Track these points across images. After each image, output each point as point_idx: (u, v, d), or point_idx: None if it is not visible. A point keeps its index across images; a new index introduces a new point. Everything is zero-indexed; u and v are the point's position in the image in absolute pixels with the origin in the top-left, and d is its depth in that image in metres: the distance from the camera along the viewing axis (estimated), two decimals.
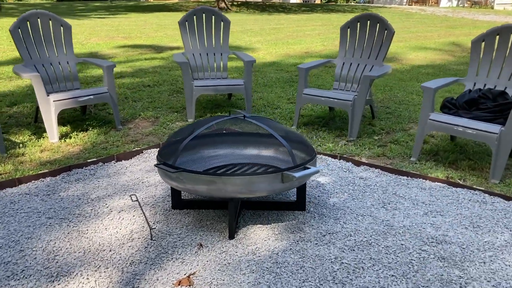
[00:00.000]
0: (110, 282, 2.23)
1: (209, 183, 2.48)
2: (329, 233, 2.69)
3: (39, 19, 4.77)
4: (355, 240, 2.62)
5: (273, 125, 2.94)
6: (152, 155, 4.04)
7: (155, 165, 2.60)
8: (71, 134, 4.53)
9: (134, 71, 7.35)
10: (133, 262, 2.39)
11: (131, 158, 4.00)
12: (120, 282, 2.23)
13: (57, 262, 2.39)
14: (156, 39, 11.06)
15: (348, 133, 4.64)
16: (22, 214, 2.94)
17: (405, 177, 3.59)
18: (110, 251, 2.50)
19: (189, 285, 2.19)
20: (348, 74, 5.07)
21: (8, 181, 3.43)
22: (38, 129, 4.66)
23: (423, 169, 3.77)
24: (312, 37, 12.08)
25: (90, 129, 4.70)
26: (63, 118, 5.06)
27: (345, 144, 4.44)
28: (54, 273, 2.29)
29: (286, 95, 6.11)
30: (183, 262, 2.40)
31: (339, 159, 3.99)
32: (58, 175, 3.61)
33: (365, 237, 2.65)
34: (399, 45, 10.81)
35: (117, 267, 2.36)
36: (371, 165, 3.82)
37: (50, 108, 4.33)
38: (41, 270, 2.32)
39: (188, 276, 2.25)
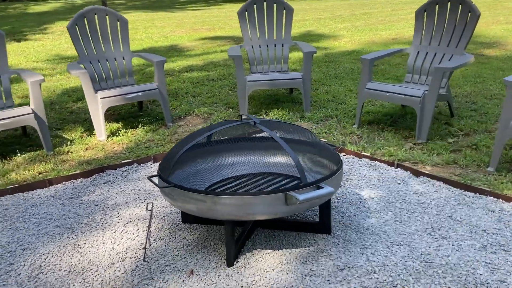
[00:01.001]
0: None
1: (198, 202, 2.14)
2: (348, 267, 2.21)
3: (96, 15, 4.73)
4: (377, 279, 2.11)
5: (292, 130, 2.51)
6: None
7: (148, 178, 2.32)
8: (120, 132, 4.45)
9: (204, 64, 7.21)
10: None
11: None
12: None
13: (36, 281, 2.22)
14: (239, 30, 10.88)
15: (416, 134, 4.00)
16: (35, 220, 2.84)
17: (471, 194, 2.94)
18: (96, 271, 2.28)
19: None
20: (423, 65, 4.39)
21: (39, 182, 3.39)
22: (92, 126, 4.65)
23: (499, 183, 3.07)
24: (406, 21, 11.07)
25: (140, 126, 4.58)
26: (120, 114, 5.03)
27: (410, 148, 3.82)
28: None
29: (356, 89, 5.52)
30: None
31: (396, 167, 3.41)
32: (90, 177, 3.51)
33: (391, 276, 2.13)
34: (507, 27, 9.46)
35: None
36: (433, 177, 3.20)
37: (97, 105, 4.27)
38: None
39: None
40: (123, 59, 4.84)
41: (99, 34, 4.72)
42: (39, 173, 3.65)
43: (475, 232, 2.48)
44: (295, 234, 2.52)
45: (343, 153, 3.75)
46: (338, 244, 2.41)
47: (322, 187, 2.15)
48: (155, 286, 2.14)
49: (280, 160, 2.85)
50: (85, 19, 4.66)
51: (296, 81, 4.66)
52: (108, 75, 4.71)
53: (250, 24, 5.11)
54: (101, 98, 4.26)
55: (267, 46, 5.16)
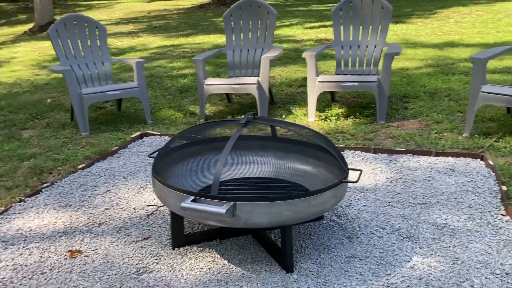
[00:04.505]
0: (63, 219, 2.60)
1: (153, 184, 2.28)
2: None
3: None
4: None
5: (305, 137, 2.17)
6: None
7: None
8: (332, 117, 4.50)
9: (504, 67, 5.82)
10: (102, 223, 2.61)
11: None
12: (55, 229, 2.56)
13: (90, 198, 2.93)
14: None
15: None
16: None
17: None
18: (121, 208, 2.77)
19: (70, 257, 2.27)
20: None
21: None
22: (321, 109, 4.87)
23: None
24: None
25: (353, 117, 4.48)
26: (355, 102, 4.99)
27: None
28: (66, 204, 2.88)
29: None
30: (113, 242, 2.40)
31: None
32: None
33: None
34: None
35: (87, 219, 2.65)
36: None
37: (314, 88, 4.48)
38: (60, 199, 2.94)
39: (78, 251, 2.31)
40: (375, 47, 4.72)
41: (360, 19, 4.75)
42: None
43: None
44: (262, 257, 2.23)
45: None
46: (269, 281, 2.00)
47: (225, 203, 1.87)
48: (117, 235, 2.47)
49: (300, 166, 2.45)
50: (350, 4, 4.79)
51: None
52: (354, 62, 4.74)
53: None
54: (318, 82, 4.44)
55: None
